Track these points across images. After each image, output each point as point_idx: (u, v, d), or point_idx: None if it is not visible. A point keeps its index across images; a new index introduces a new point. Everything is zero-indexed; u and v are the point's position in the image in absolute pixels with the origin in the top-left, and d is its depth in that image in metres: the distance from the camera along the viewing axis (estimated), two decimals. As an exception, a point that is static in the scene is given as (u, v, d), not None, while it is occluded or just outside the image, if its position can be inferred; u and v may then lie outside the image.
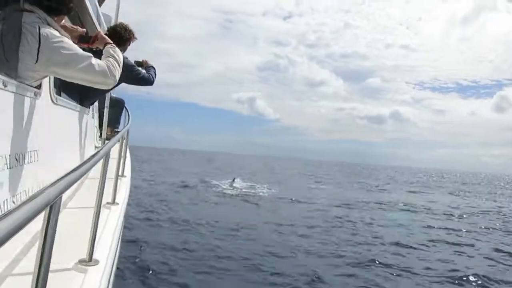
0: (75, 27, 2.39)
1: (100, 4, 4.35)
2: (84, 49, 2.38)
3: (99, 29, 3.82)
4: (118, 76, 2.08)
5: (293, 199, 17.78)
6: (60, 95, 2.70)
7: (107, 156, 1.89)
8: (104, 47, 2.28)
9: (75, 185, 2.88)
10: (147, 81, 3.97)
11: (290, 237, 9.83)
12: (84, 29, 2.40)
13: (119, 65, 2.12)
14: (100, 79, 1.97)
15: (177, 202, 14.21)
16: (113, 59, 2.11)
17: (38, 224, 0.97)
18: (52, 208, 0.96)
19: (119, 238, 2.50)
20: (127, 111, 5.35)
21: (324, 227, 11.34)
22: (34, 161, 1.94)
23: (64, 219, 2.23)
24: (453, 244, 10.45)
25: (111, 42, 2.38)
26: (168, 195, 16.00)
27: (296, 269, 7.12)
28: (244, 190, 20.56)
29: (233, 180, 23.94)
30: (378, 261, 7.99)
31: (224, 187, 21.21)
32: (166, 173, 28.32)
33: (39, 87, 2.00)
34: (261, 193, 19.63)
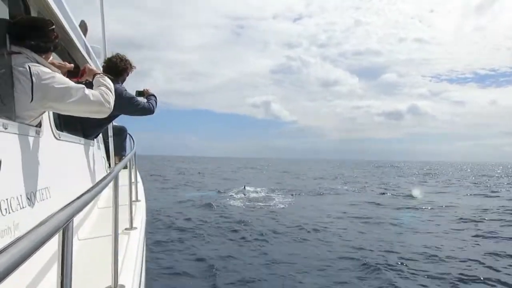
0: (63, 63, 2.43)
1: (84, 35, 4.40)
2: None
3: (89, 61, 3.87)
4: (112, 102, 2.11)
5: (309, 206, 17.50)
6: (62, 131, 2.73)
7: (116, 179, 1.90)
8: (93, 78, 2.31)
9: (89, 214, 2.91)
10: (147, 111, 3.97)
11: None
12: (72, 65, 2.44)
13: (111, 92, 2.16)
14: (95, 108, 2.01)
15: (191, 216, 13.96)
16: (104, 87, 2.15)
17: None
18: (65, 232, 0.96)
19: (142, 262, 2.49)
20: (131, 137, 5.40)
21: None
22: (46, 198, 1.95)
23: (82, 249, 2.25)
24: None
25: (99, 72, 2.43)
26: (182, 210, 15.66)
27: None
28: (254, 198, 20.29)
29: (244, 188, 23.84)
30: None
31: (236, 196, 20.91)
32: (177, 185, 28.13)
33: (39, 125, 2.02)
34: (275, 202, 19.19)
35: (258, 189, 24.12)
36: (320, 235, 10.98)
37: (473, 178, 45.20)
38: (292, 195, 22.10)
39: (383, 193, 24.06)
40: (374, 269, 7.48)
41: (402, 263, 8.00)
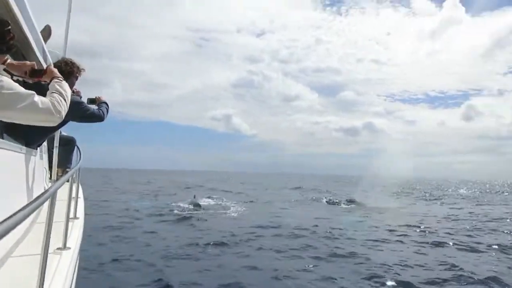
0: (22, 62, 2.32)
1: (45, 41, 4.23)
2: (35, 84, 2.28)
3: (45, 66, 3.70)
4: (64, 112, 2.01)
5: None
6: (2, 138, 2.55)
7: (53, 197, 1.78)
8: (50, 82, 2.21)
9: (25, 230, 2.69)
10: (97, 118, 3.81)
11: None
12: (34, 63, 2.32)
13: (65, 100, 2.05)
14: (43, 117, 1.90)
15: (132, 233, 13.36)
16: (58, 94, 2.04)
17: None
18: None
19: (71, 286, 2.32)
20: (79, 150, 5.15)
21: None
22: None
23: (10, 269, 2.06)
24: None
25: (59, 76, 2.32)
26: (122, 226, 15.02)
27: None
28: (204, 207, 21.10)
29: (194, 197, 24.31)
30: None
31: (185, 206, 21.25)
32: (116, 197, 27.30)
33: None
34: (226, 210, 20.26)
35: (209, 200, 24.82)
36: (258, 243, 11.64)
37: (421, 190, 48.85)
38: (245, 204, 23.43)
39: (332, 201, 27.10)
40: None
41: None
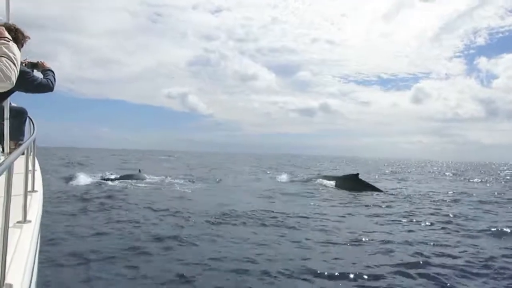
0: None
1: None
2: None
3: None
4: (14, 77, 1.88)
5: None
6: None
7: (9, 170, 1.72)
8: None
9: None
10: (45, 87, 3.55)
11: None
12: None
13: (14, 64, 1.91)
14: None
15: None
16: (7, 58, 1.90)
17: None
18: None
19: (35, 259, 2.29)
20: (31, 121, 4.89)
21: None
22: None
23: None
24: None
25: (7, 36, 2.14)
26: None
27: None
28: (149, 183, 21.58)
29: (139, 171, 25.15)
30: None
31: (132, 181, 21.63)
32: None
33: None
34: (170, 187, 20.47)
35: (154, 177, 24.81)
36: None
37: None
38: (191, 182, 23.30)
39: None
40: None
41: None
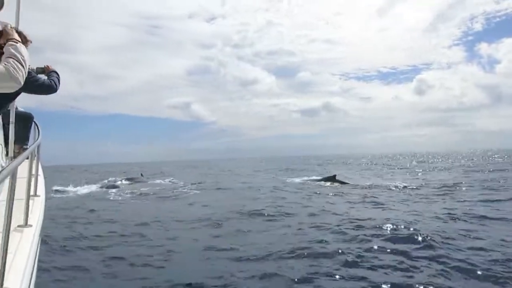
0: None
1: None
2: None
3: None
4: (22, 78, 1.90)
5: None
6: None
7: (13, 174, 1.74)
8: (5, 45, 2.08)
9: None
10: (49, 88, 3.60)
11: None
12: None
13: (22, 65, 1.93)
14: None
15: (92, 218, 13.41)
16: (14, 58, 1.92)
17: None
18: None
19: (34, 263, 2.30)
20: (37, 126, 4.94)
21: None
22: None
23: None
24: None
25: (16, 38, 2.18)
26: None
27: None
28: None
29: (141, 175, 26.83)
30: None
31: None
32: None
33: None
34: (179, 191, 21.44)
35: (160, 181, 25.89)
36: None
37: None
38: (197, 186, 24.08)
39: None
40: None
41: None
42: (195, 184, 24.88)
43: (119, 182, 23.64)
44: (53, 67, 3.76)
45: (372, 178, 27.78)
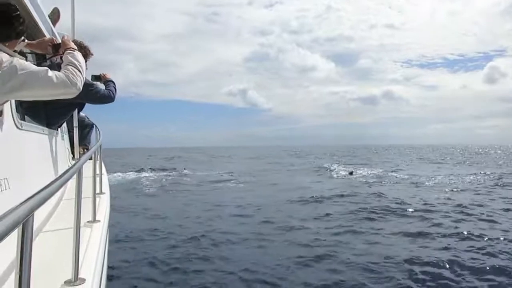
0: (40, 39, 2.35)
1: (54, 24, 4.26)
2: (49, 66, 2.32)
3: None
4: (80, 83, 2.02)
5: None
6: (24, 120, 2.64)
7: (79, 172, 1.87)
8: (63, 53, 2.23)
9: (52, 207, 2.84)
10: (107, 99, 3.82)
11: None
12: (52, 37, 2.35)
13: (80, 72, 2.05)
14: (61, 90, 1.93)
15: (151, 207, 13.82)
16: (73, 66, 2.05)
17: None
18: (25, 227, 0.95)
19: (104, 256, 2.47)
20: (97, 129, 5.28)
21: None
22: (5, 189, 1.90)
23: (44, 242, 2.21)
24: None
25: (73, 47, 2.32)
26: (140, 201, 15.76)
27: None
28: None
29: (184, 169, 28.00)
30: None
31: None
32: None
33: (0, 114, 1.96)
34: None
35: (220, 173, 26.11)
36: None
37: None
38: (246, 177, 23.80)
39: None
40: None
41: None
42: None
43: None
44: (109, 75, 3.97)
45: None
